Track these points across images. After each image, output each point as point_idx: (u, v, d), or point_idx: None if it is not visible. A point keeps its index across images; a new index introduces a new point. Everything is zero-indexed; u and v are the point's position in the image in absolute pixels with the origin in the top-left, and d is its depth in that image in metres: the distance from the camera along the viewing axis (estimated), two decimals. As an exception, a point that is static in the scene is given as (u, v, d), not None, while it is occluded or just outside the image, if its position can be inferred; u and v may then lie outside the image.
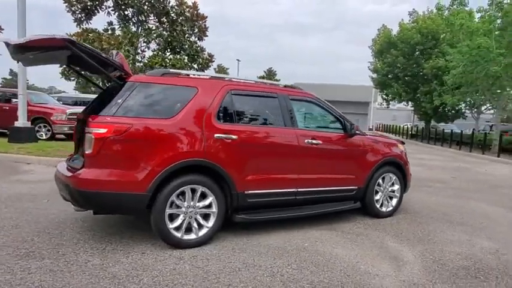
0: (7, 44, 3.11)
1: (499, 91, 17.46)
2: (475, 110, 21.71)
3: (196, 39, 11.33)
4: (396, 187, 5.33)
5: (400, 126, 34.59)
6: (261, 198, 4.09)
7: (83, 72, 4.90)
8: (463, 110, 24.83)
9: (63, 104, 15.20)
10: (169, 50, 11.06)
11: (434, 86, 22.68)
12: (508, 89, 17.21)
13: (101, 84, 6.18)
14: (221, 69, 45.58)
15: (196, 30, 11.08)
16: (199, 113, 3.75)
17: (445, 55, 19.26)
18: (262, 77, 47.34)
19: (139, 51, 10.59)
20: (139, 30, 10.55)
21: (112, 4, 10.35)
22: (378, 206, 5.13)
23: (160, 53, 10.80)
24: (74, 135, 4.55)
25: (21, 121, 10.59)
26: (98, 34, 10.14)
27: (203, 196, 3.75)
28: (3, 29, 14.85)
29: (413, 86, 25.51)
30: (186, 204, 3.65)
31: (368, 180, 4.95)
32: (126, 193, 3.40)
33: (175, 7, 10.72)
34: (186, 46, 10.95)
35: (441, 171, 10.80)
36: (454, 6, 18.65)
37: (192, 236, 3.69)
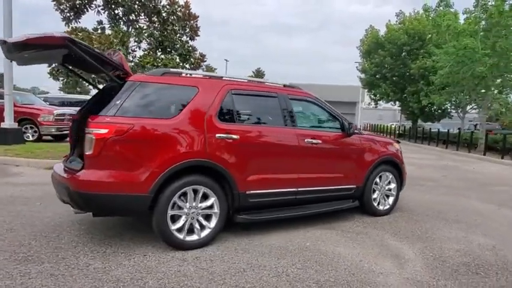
0: (3, 42, 3.01)
1: (483, 91, 17.85)
2: (460, 109, 22.16)
3: (188, 38, 11.27)
4: (393, 185, 5.39)
5: (386, 126, 35.04)
6: (262, 198, 4.07)
7: (80, 72, 4.80)
8: (449, 110, 25.31)
9: (49, 104, 14.89)
10: (160, 49, 10.94)
11: (421, 86, 23.07)
12: (492, 89, 17.61)
13: (97, 84, 6.04)
14: (209, 70, 45.28)
15: (187, 29, 11.02)
16: (200, 113, 3.71)
17: (431, 56, 19.61)
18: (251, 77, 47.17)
19: (130, 50, 10.44)
20: (130, 29, 10.40)
21: (102, 3, 10.18)
22: (376, 204, 5.18)
23: (151, 52, 10.67)
24: (70, 136, 4.46)
25: (8, 122, 10.33)
26: (88, 33, 9.94)
27: (205, 197, 3.71)
28: None
29: (400, 86, 25.89)
30: (188, 205, 3.60)
31: (366, 179, 4.99)
32: (128, 194, 3.34)
33: (167, 6, 10.62)
34: (178, 46, 10.85)
35: (431, 169, 10.97)
36: (441, 8, 19.00)
37: (194, 237, 3.65)
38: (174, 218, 3.57)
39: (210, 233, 3.73)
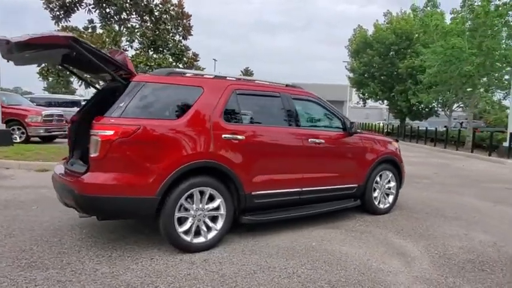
0: (6, 42, 2.90)
1: (470, 89, 18.23)
2: (447, 108, 22.58)
3: (181, 38, 11.15)
4: (392, 184, 5.43)
5: (374, 124, 35.44)
6: (268, 198, 4.05)
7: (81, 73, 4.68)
8: (436, 108, 25.76)
9: (36, 105, 14.56)
10: (152, 49, 10.79)
11: (409, 85, 23.41)
12: (479, 87, 17.98)
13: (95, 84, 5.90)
14: (197, 69, 45.04)
15: (180, 29, 10.89)
16: (206, 114, 3.66)
17: (419, 55, 19.93)
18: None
19: (122, 50, 10.26)
20: (122, 28, 10.22)
21: (92, 1, 9.98)
22: (376, 203, 5.21)
23: (142, 52, 10.52)
24: (69, 138, 4.35)
25: (-5, 123, 10.05)
26: (79, 32, 9.72)
27: (211, 198, 3.67)
28: None
29: (389, 85, 26.22)
30: (194, 207, 3.55)
31: (367, 178, 5.02)
32: (135, 197, 3.28)
33: (160, 5, 10.48)
34: (171, 45, 10.72)
35: (424, 167, 11.13)
36: (428, 8, 19.30)
37: (201, 240, 3.60)
38: (181, 220, 3.51)
39: (217, 234, 3.69)
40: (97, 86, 5.21)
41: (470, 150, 16.16)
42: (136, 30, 10.40)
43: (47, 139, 13.04)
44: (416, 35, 23.32)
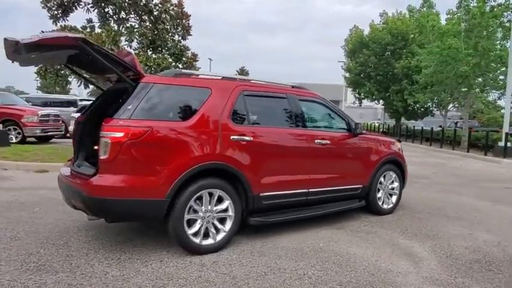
0: (16, 43, 2.87)
1: (466, 89, 18.38)
2: (442, 108, 22.78)
3: (180, 38, 11.09)
4: (396, 184, 5.47)
5: (370, 124, 35.61)
6: (275, 199, 4.05)
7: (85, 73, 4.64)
8: (431, 108, 25.95)
9: (32, 105, 14.40)
10: (151, 48, 10.73)
11: (404, 85, 23.56)
12: (475, 88, 18.15)
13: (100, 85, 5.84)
14: (194, 69, 44.87)
15: (179, 28, 10.84)
16: (214, 115, 3.65)
17: (415, 55, 20.06)
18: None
19: (122, 49, 10.19)
20: (121, 28, 10.14)
21: (91, 1, 9.89)
22: (380, 203, 5.24)
23: (141, 52, 10.46)
24: (73, 139, 4.31)
25: (-9, 124, 9.92)
26: (77, 32, 9.64)
27: (219, 200, 3.66)
28: None
29: (384, 85, 26.35)
30: (203, 208, 3.54)
31: (372, 179, 5.05)
32: (144, 200, 3.26)
33: (159, 5, 10.42)
34: (170, 45, 10.67)
35: (422, 167, 11.21)
36: (424, 9, 19.43)
37: (210, 241, 3.59)
38: (190, 222, 3.50)
39: (225, 236, 3.68)
40: (99, 86, 5.16)
41: (466, 150, 16.31)
42: (135, 30, 10.33)
43: (43, 139, 12.92)
44: (412, 36, 23.48)
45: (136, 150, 3.20)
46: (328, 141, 4.50)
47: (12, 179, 6.91)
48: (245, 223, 3.92)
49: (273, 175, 4.00)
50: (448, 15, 18.25)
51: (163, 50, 10.95)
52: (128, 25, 10.30)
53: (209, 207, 3.57)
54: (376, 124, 35.97)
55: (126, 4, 9.95)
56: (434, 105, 24.49)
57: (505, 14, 16.28)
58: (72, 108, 15.28)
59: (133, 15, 10.54)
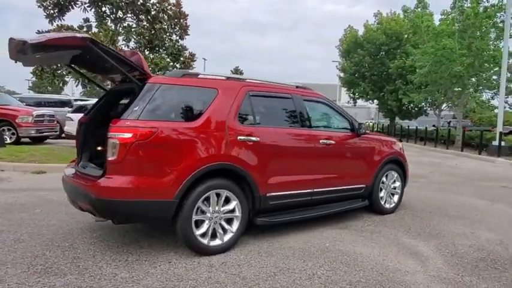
0: (23, 43, 2.82)
1: (459, 89, 18.58)
2: (436, 107, 23.01)
3: (178, 37, 11.04)
4: (398, 184, 5.50)
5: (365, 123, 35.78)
6: (281, 200, 4.05)
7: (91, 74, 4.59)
8: (425, 108, 26.20)
9: (26, 105, 14.21)
10: (149, 48, 10.67)
11: (399, 85, 23.74)
12: (469, 87, 18.36)
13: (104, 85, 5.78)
14: (191, 69, 44.67)
15: (177, 28, 10.79)
16: (221, 115, 3.64)
17: (409, 55, 20.22)
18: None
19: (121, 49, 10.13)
20: (118, 27, 10.07)
21: (88, 0, 9.80)
22: (383, 203, 5.27)
23: (139, 51, 10.39)
24: (77, 139, 4.26)
25: (-14, 124, 9.77)
26: (74, 31, 9.55)
27: (226, 200, 3.65)
28: None
29: (379, 85, 26.54)
30: (211, 209, 3.53)
31: (374, 178, 5.07)
32: (153, 201, 3.23)
33: (156, 4, 10.36)
34: (168, 45, 10.62)
35: (418, 166, 11.27)
36: (419, 9, 19.58)
37: (217, 242, 3.58)
38: (198, 223, 3.48)
39: (233, 237, 3.67)
40: (103, 86, 5.11)
41: (460, 149, 16.49)
42: (133, 30, 10.26)
43: (38, 140, 12.76)
44: (406, 36, 23.67)
45: (144, 151, 3.17)
46: (333, 142, 4.51)
47: (9, 181, 6.82)
48: (251, 223, 3.92)
49: (279, 175, 4.00)
50: (442, 16, 18.43)
51: (160, 50, 10.89)
52: (125, 25, 10.21)
53: (216, 208, 3.56)
54: (370, 124, 36.18)
55: (123, 3, 9.88)
56: (428, 104, 24.72)
57: (498, 14, 16.49)
58: (66, 108, 15.10)
59: (130, 15, 10.47)
